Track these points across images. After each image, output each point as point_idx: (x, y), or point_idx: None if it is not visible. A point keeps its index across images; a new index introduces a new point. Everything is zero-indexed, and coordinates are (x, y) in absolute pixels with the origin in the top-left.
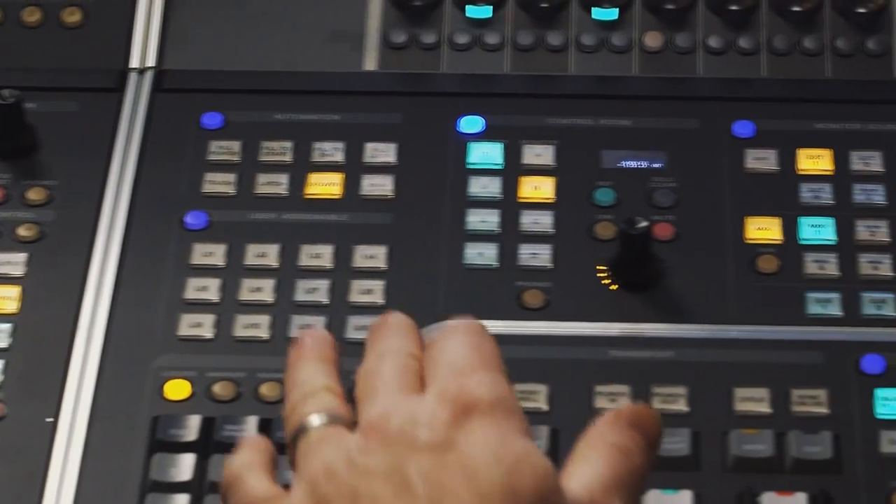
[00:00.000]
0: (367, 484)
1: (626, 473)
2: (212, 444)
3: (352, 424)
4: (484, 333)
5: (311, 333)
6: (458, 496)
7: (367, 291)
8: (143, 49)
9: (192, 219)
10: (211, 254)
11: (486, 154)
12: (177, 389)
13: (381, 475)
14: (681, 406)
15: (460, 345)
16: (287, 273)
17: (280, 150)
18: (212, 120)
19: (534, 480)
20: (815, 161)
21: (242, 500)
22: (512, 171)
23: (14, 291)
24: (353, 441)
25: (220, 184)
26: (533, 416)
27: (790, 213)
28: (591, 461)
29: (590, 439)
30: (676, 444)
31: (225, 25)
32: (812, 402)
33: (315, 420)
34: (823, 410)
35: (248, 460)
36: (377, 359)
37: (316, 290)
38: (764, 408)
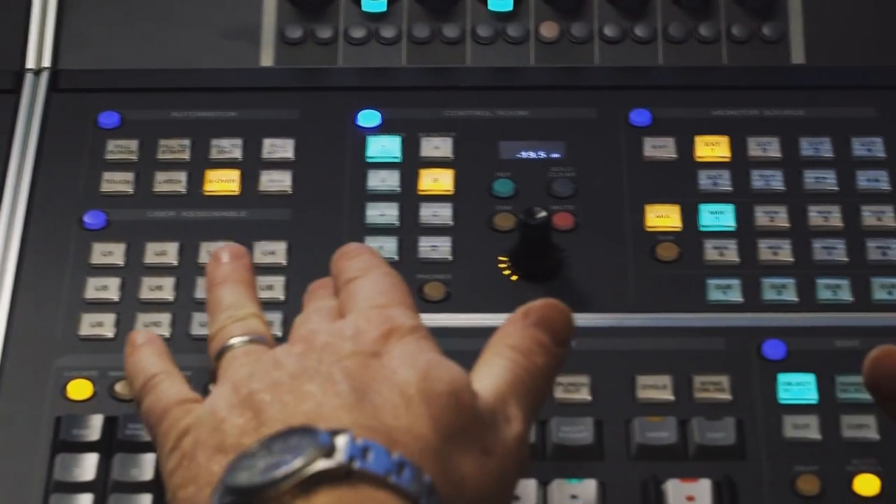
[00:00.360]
0: (291, 380)
1: (525, 375)
2: (115, 444)
3: (274, 345)
4: (397, 275)
5: (228, 250)
6: (379, 391)
7: (268, 287)
8: (39, 49)
9: (91, 218)
10: (110, 253)
11: (385, 147)
12: (79, 389)
13: (305, 375)
14: (583, 395)
15: (378, 283)
16: (187, 271)
17: (178, 147)
18: (108, 119)
19: (447, 379)
20: (712, 148)
21: (158, 403)
22: (410, 164)
23: None
24: (278, 350)
25: (118, 183)
26: None
27: (689, 201)
28: (493, 365)
29: (494, 343)
30: (579, 433)
31: (120, 24)
32: (714, 388)
33: (241, 339)
34: (726, 396)
35: (162, 366)
36: (313, 308)
37: None
38: (667, 395)
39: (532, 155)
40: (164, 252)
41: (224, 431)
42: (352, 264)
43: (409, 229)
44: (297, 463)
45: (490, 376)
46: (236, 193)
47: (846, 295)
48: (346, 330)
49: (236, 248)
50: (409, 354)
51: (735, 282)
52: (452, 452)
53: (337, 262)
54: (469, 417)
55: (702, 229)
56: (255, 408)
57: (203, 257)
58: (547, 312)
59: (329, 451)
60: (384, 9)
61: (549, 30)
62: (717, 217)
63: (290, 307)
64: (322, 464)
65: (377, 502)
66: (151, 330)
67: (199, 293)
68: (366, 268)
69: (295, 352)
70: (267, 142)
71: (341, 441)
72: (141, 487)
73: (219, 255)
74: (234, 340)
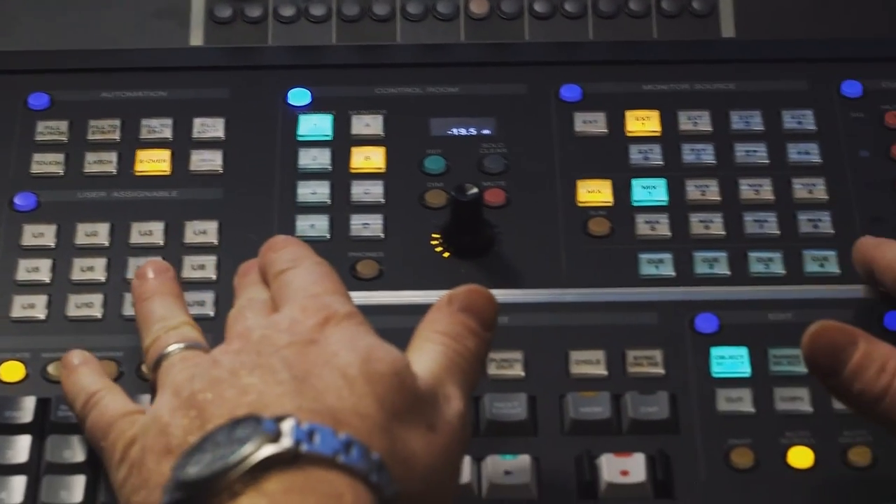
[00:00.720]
0: (231, 376)
1: (459, 358)
2: (48, 425)
3: (209, 350)
4: (327, 264)
5: (152, 266)
6: (321, 375)
7: (200, 267)
8: None
9: (21, 200)
10: (41, 234)
11: (316, 126)
12: (11, 371)
13: (245, 369)
14: (517, 371)
15: (310, 272)
16: (118, 251)
17: (108, 128)
18: (38, 100)
19: (388, 360)
20: (643, 122)
21: (102, 417)
22: (342, 142)
23: None
24: (216, 351)
25: (48, 164)
26: None
27: (621, 175)
28: (426, 350)
29: (423, 330)
30: (513, 408)
31: (48, 5)
32: (647, 362)
33: (177, 347)
34: (659, 371)
35: (102, 383)
36: (243, 305)
37: None
38: (600, 370)
39: (463, 131)
40: (96, 233)
41: (170, 434)
42: (281, 255)
43: (340, 207)
44: (244, 451)
45: (425, 360)
46: (167, 173)
47: (778, 268)
48: (282, 322)
49: (160, 264)
50: (348, 338)
51: (667, 256)
52: (399, 430)
53: (265, 254)
54: (412, 397)
55: (634, 204)
56: (198, 406)
57: (135, 238)
58: (472, 298)
59: (275, 437)
60: None
61: (478, 6)
62: (649, 192)
63: (222, 286)
64: (269, 449)
65: (327, 483)
66: (84, 311)
67: (132, 274)
68: (295, 258)
69: (232, 349)
70: (197, 121)
71: (286, 426)
72: (74, 469)
73: (143, 271)
74: (170, 348)
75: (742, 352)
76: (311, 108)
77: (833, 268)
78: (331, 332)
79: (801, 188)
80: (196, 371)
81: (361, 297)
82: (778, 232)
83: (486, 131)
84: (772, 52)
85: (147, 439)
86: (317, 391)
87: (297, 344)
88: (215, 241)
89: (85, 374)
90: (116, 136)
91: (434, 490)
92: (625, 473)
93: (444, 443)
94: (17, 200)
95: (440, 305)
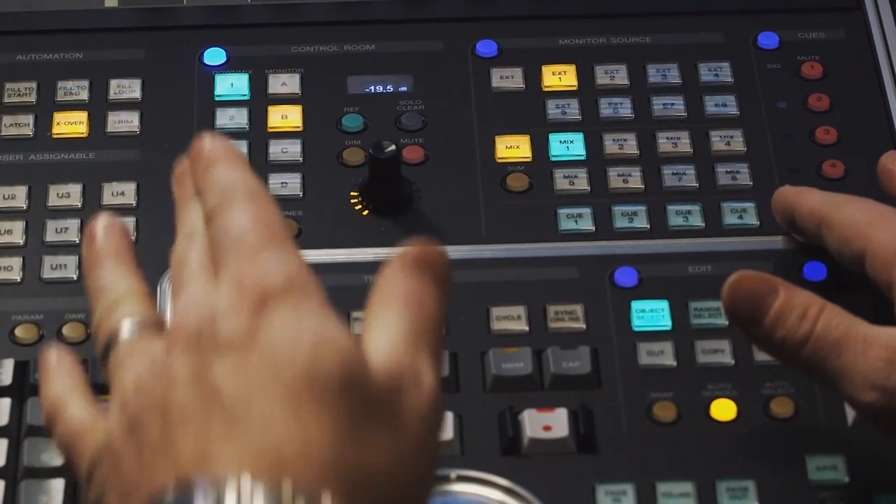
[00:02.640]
0: (173, 395)
1: (425, 323)
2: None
3: (160, 325)
4: (261, 195)
5: (102, 222)
6: (263, 401)
7: None
8: None
9: None
10: None
11: (232, 86)
12: None
13: (186, 382)
14: None
15: (244, 217)
16: (36, 214)
17: (24, 90)
18: None
19: (337, 362)
20: (559, 77)
21: (67, 431)
22: (259, 101)
23: None
24: (158, 346)
25: None
26: None
27: (539, 131)
28: (388, 320)
29: (381, 294)
30: None
31: None
32: (569, 317)
33: (124, 330)
34: (580, 326)
35: (62, 387)
36: (186, 241)
37: (67, 230)
38: (521, 326)
39: (380, 89)
40: (13, 196)
41: (122, 472)
42: (211, 186)
43: (258, 167)
44: None
45: (387, 333)
46: (84, 135)
47: (697, 220)
48: (220, 307)
49: (108, 218)
50: (291, 332)
51: (586, 210)
52: (359, 449)
53: (194, 167)
54: (369, 397)
55: (552, 159)
56: (141, 443)
57: (53, 200)
58: (425, 258)
59: None
60: None
61: None
62: (567, 146)
63: (141, 247)
64: None
65: None
66: (3, 274)
67: (50, 237)
68: (226, 192)
69: (172, 350)
70: (114, 83)
71: (230, 496)
72: None
73: (92, 230)
74: (116, 333)
75: (662, 305)
76: (228, 67)
77: (752, 219)
78: (271, 318)
79: (719, 140)
80: (142, 377)
81: None
82: (696, 184)
83: (403, 88)
84: (688, 5)
85: (104, 468)
86: (261, 426)
87: (236, 347)
88: (133, 203)
89: (52, 381)
90: (33, 98)
91: (411, 495)
92: (547, 429)
93: (415, 445)
94: None
95: (394, 267)
